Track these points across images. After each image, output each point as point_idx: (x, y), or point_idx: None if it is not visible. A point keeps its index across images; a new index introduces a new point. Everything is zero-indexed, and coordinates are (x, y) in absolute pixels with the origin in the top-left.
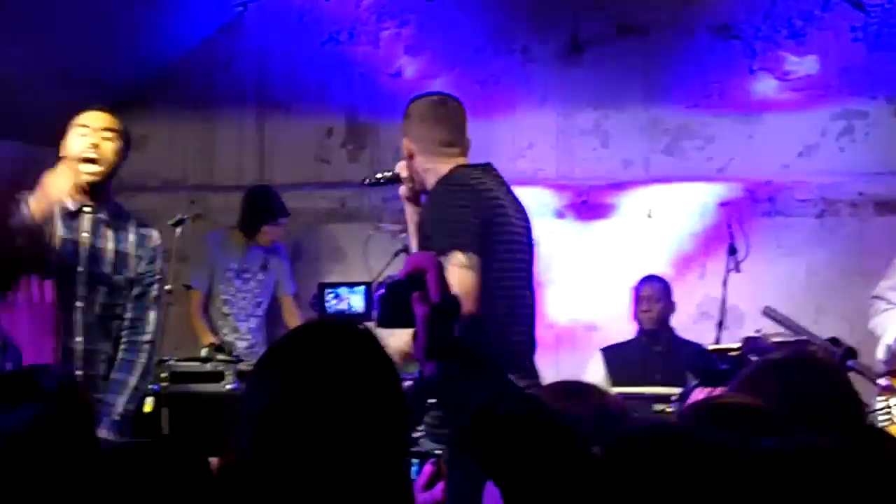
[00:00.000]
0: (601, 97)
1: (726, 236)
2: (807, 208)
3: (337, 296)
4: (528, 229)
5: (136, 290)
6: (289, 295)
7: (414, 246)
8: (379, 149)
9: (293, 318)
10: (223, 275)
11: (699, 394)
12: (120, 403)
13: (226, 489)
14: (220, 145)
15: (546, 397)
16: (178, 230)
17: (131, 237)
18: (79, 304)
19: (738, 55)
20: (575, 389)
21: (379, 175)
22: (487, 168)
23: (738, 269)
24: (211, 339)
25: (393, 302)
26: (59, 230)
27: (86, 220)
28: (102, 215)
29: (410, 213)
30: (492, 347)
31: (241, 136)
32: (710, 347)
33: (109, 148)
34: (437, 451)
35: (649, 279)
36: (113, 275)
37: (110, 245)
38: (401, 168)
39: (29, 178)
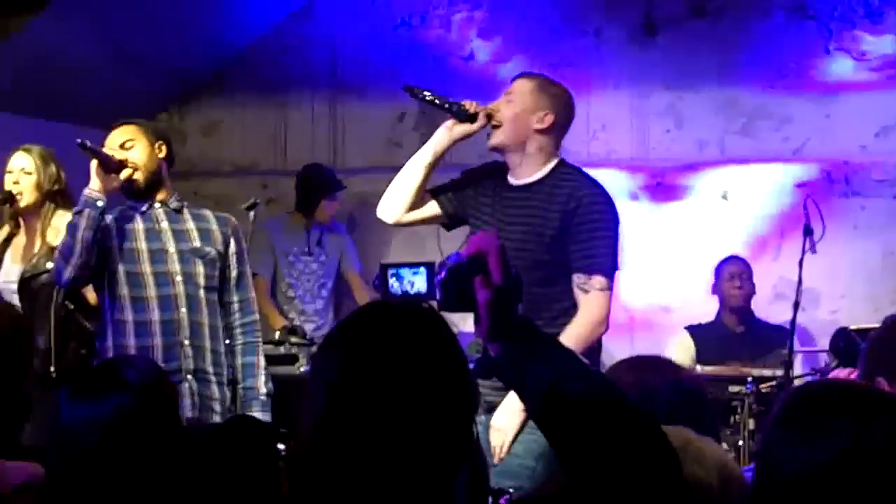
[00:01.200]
0: (675, 78)
1: (802, 217)
2: (884, 189)
3: (398, 277)
4: None
5: (234, 273)
6: (356, 272)
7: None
8: None
9: (363, 295)
10: (285, 259)
11: (840, 374)
12: (261, 384)
13: (295, 469)
14: (292, 130)
15: (620, 371)
16: (252, 214)
17: (210, 217)
18: (178, 278)
19: (813, 35)
20: (650, 363)
21: (437, 98)
22: None
23: (814, 250)
24: (283, 322)
25: (454, 285)
26: (139, 223)
27: (160, 213)
28: (174, 204)
29: (446, 143)
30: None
31: (313, 121)
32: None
33: (133, 155)
34: (510, 488)
35: (734, 258)
36: (203, 247)
37: (191, 225)
38: (482, 110)
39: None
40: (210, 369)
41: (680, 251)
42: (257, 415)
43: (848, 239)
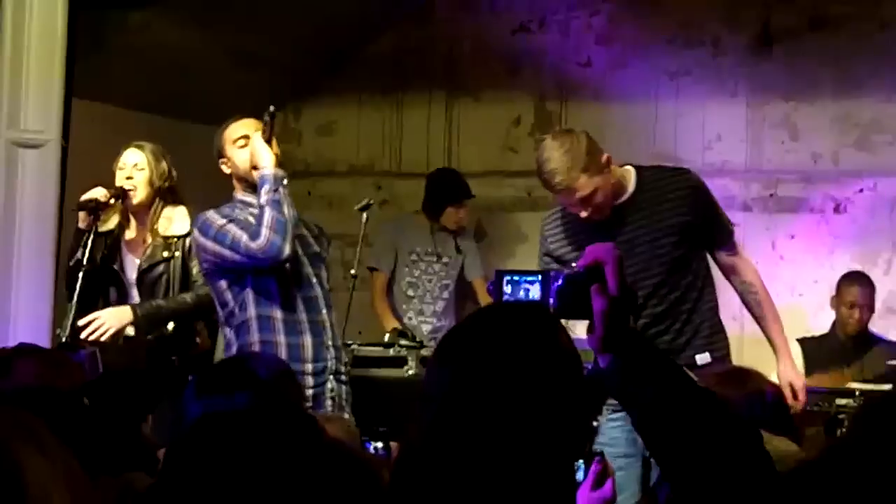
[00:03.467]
0: (791, 89)
1: None
2: None
3: (514, 284)
4: None
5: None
6: (480, 278)
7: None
8: None
9: (488, 301)
10: (408, 258)
11: None
12: None
13: (405, 471)
14: (407, 132)
15: (706, 383)
16: (364, 215)
17: (309, 222)
18: (314, 280)
19: None
20: (735, 376)
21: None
22: None
23: None
24: (394, 323)
25: (571, 293)
26: None
27: None
28: None
29: None
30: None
31: (428, 123)
32: None
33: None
34: (599, 450)
35: (859, 279)
36: (322, 252)
37: (302, 230)
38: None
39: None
40: (342, 369)
41: (791, 263)
42: None
43: None
